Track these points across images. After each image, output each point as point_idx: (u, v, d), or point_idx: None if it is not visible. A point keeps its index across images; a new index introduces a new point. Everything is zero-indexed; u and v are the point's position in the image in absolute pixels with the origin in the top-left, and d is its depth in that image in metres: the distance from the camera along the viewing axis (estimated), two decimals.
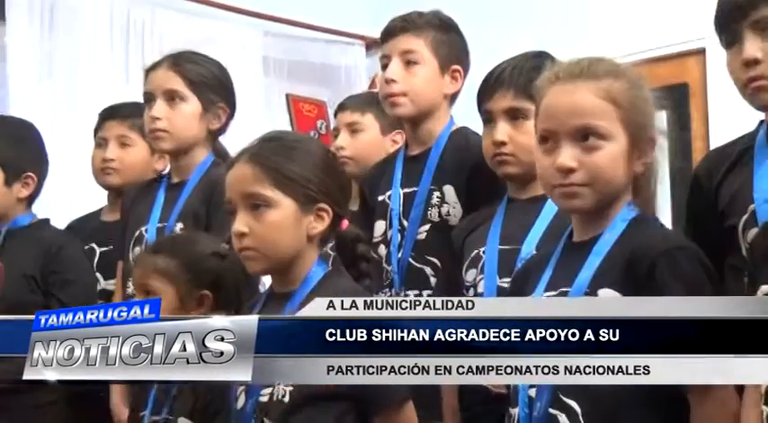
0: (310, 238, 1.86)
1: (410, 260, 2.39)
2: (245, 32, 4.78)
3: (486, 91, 2.15)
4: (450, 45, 2.50)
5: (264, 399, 1.76)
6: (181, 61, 2.53)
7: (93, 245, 2.85)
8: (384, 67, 2.50)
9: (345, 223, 1.95)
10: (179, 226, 2.44)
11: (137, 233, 2.52)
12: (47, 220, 2.75)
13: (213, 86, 2.54)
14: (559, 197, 1.66)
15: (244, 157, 1.88)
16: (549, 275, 1.67)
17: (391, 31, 2.50)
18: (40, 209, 2.79)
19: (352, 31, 5.14)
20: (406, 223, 2.42)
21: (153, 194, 2.56)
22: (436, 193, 2.40)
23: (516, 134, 2.09)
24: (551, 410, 1.57)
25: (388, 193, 2.49)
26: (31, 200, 2.72)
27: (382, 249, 2.44)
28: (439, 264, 2.36)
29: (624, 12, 4.17)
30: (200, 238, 2.22)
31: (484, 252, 2.10)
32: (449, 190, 2.40)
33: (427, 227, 2.40)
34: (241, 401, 1.80)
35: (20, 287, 2.49)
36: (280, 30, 4.93)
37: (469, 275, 2.12)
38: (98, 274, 2.80)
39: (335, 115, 3.22)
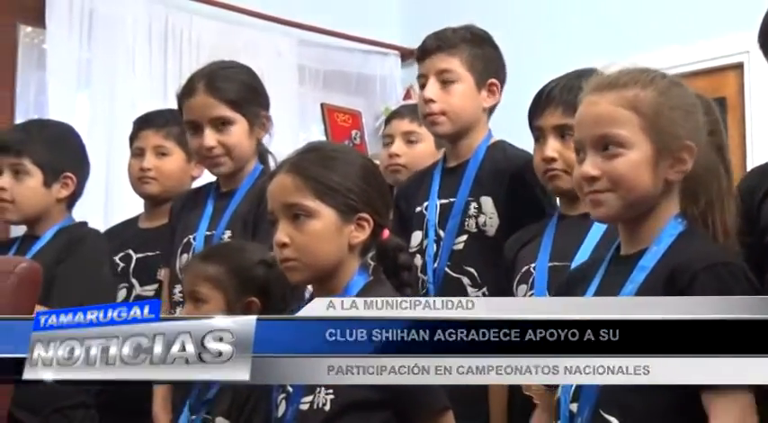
0: (351, 248, 1.86)
1: (447, 270, 2.41)
2: (280, 41, 4.78)
3: (537, 109, 2.19)
4: (486, 59, 2.50)
5: (305, 407, 1.77)
6: (215, 82, 2.48)
7: (130, 251, 2.84)
8: (422, 86, 2.51)
9: (386, 232, 1.95)
10: (227, 234, 2.44)
11: (184, 240, 2.52)
12: (84, 223, 2.75)
13: (252, 99, 2.51)
14: (588, 205, 1.68)
15: (284, 167, 1.89)
16: (594, 289, 1.66)
17: (427, 50, 2.51)
18: (77, 217, 2.79)
19: (387, 42, 5.15)
20: (442, 233, 2.44)
21: (202, 203, 2.56)
22: (473, 204, 2.42)
23: (565, 150, 2.11)
24: None
25: (426, 204, 2.51)
26: (72, 201, 2.73)
27: (418, 259, 2.45)
28: (476, 273, 2.37)
29: (662, 26, 4.15)
30: (249, 246, 2.23)
31: (534, 268, 2.12)
32: (486, 201, 2.41)
33: (464, 237, 2.41)
34: (282, 409, 1.81)
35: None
36: (315, 39, 4.94)
37: (520, 291, 2.13)
38: (134, 280, 2.80)
39: (388, 122, 3.23)
